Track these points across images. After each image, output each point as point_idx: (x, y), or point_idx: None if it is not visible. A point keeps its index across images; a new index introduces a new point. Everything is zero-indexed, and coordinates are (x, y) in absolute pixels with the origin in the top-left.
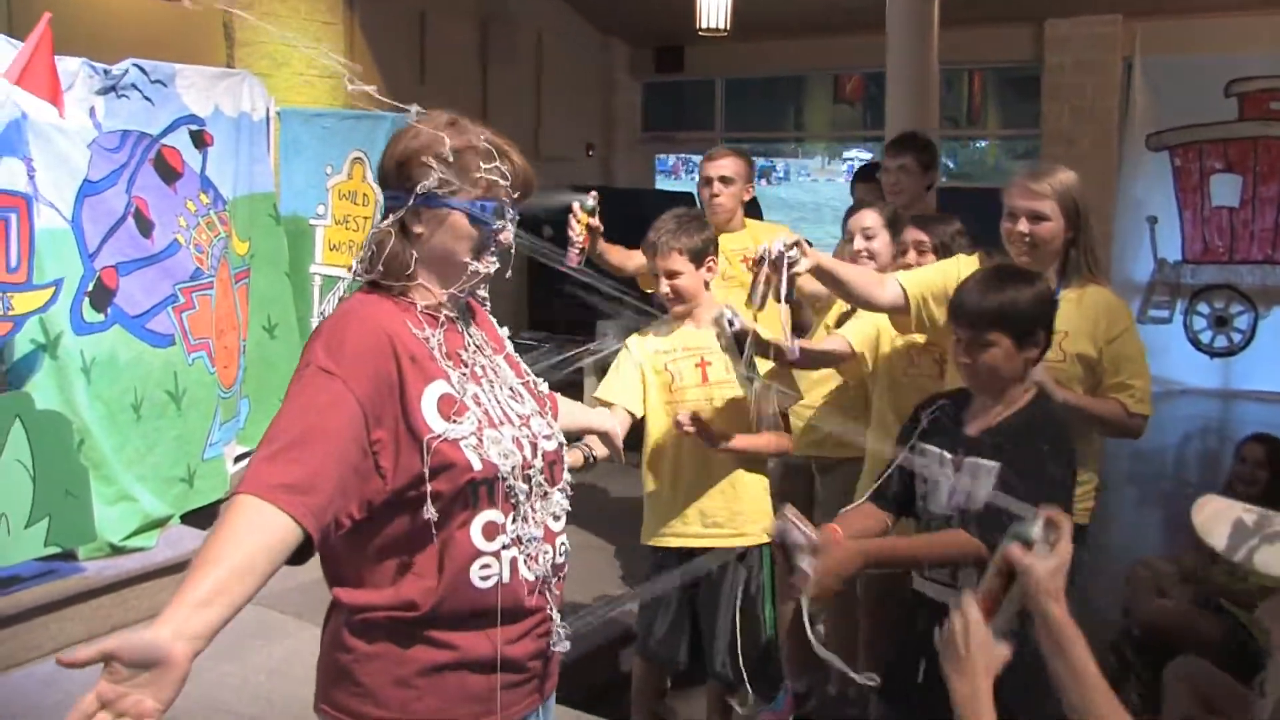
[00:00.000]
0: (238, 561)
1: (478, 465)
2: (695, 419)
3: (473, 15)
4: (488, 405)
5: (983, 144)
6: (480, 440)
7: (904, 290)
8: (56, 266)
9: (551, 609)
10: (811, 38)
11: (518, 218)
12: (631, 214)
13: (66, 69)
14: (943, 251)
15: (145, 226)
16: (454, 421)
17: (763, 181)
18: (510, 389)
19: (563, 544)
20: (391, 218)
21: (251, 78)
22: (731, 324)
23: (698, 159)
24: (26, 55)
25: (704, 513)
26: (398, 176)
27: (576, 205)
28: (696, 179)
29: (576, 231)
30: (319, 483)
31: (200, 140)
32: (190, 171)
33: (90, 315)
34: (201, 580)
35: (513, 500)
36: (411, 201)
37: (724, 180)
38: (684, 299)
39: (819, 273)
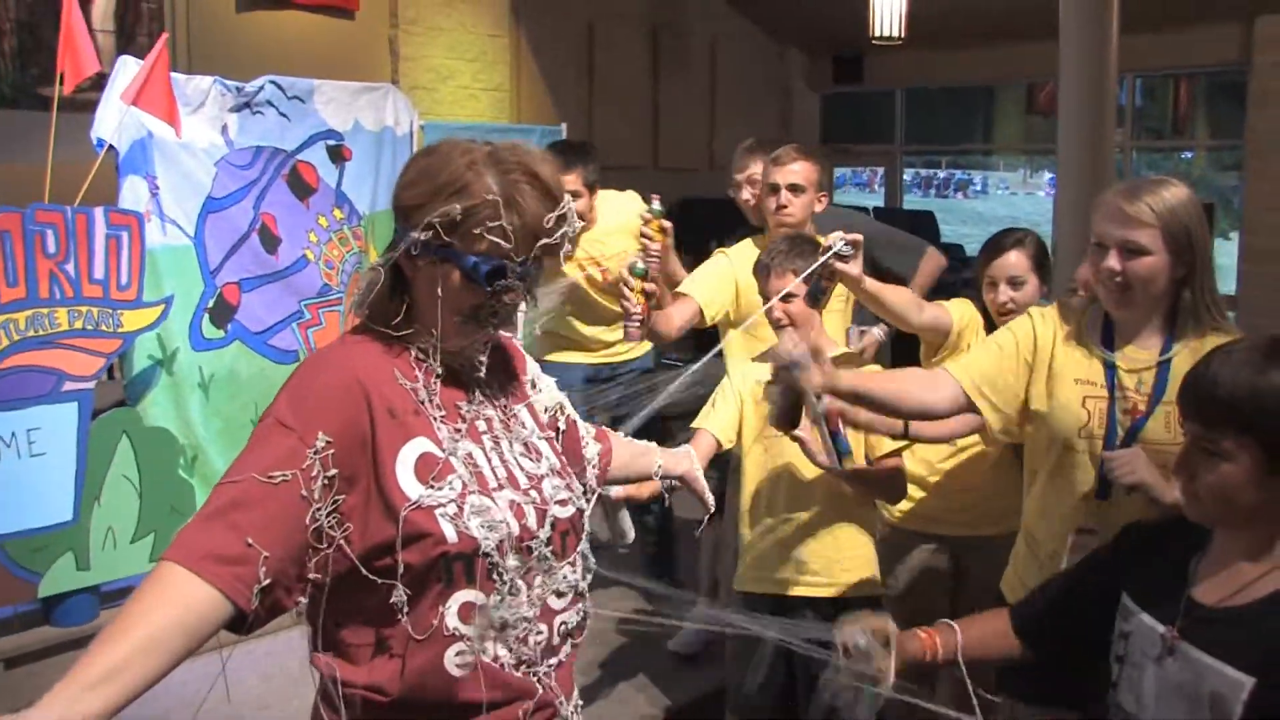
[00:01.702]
0: (145, 637)
1: (452, 537)
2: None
3: (643, 25)
4: (484, 466)
5: (1188, 155)
6: (461, 509)
7: (957, 382)
8: (174, 283)
9: (558, 698)
10: (1000, 45)
11: (533, 273)
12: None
13: (198, 88)
14: None
15: (271, 243)
16: (432, 485)
17: (958, 195)
18: (525, 445)
19: (563, 624)
20: (384, 257)
21: (395, 91)
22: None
23: (880, 171)
24: (144, 76)
25: (801, 559)
26: (400, 216)
27: (625, 271)
28: (761, 184)
29: (633, 302)
30: (257, 552)
31: (338, 155)
32: (325, 187)
33: (210, 331)
34: (99, 657)
35: (498, 579)
36: (403, 248)
37: (794, 189)
38: (796, 324)
39: (853, 395)
